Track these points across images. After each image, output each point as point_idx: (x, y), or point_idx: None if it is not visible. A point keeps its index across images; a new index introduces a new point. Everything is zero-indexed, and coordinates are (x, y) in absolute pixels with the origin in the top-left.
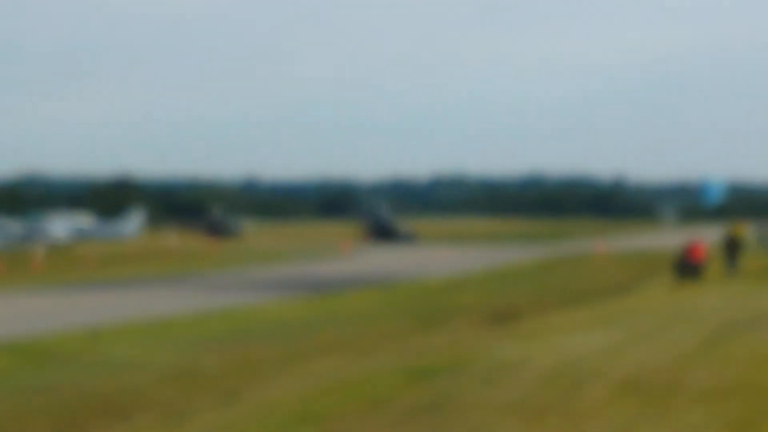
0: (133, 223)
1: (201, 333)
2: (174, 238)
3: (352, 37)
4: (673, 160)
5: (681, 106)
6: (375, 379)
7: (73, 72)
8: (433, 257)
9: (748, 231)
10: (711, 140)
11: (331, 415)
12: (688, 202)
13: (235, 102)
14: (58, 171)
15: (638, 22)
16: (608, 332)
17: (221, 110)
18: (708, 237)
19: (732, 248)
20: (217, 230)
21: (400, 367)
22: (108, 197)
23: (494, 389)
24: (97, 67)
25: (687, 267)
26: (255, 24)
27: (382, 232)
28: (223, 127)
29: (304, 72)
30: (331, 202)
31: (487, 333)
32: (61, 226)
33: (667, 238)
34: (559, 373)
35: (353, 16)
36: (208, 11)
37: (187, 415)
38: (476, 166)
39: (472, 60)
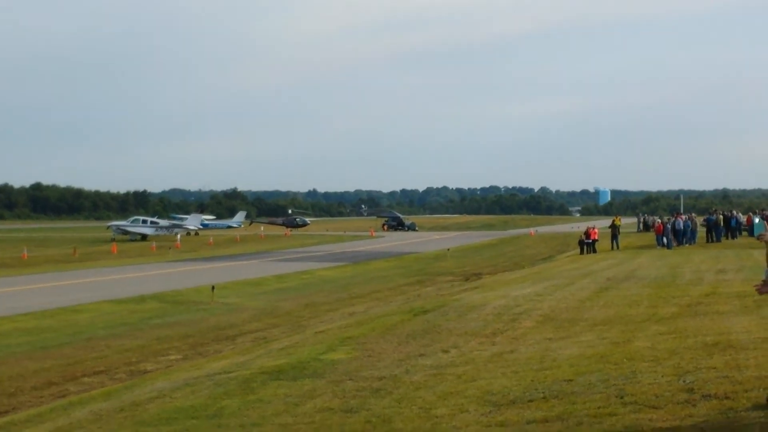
0: (238, 219)
1: (280, 287)
2: (263, 229)
3: (363, 103)
4: (578, 175)
5: (583, 142)
6: (388, 315)
7: (198, 128)
8: (427, 239)
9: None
10: (600, 161)
11: (360, 337)
12: (588, 203)
13: (295, 142)
14: (191, 186)
15: (549, 94)
16: (536, 285)
17: (292, 148)
18: (599, 225)
19: (614, 232)
20: (292, 223)
21: (404, 307)
22: (222, 203)
23: (464, 321)
24: (215, 125)
25: (586, 244)
26: (293, 96)
27: (395, 224)
28: (296, 158)
29: (346, 124)
30: (361, 204)
31: (460, 286)
32: (193, 221)
33: (574, 226)
34: (504, 311)
35: (367, 88)
36: (284, 85)
37: (269, 339)
38: (454, 180)
39: (454, 116)
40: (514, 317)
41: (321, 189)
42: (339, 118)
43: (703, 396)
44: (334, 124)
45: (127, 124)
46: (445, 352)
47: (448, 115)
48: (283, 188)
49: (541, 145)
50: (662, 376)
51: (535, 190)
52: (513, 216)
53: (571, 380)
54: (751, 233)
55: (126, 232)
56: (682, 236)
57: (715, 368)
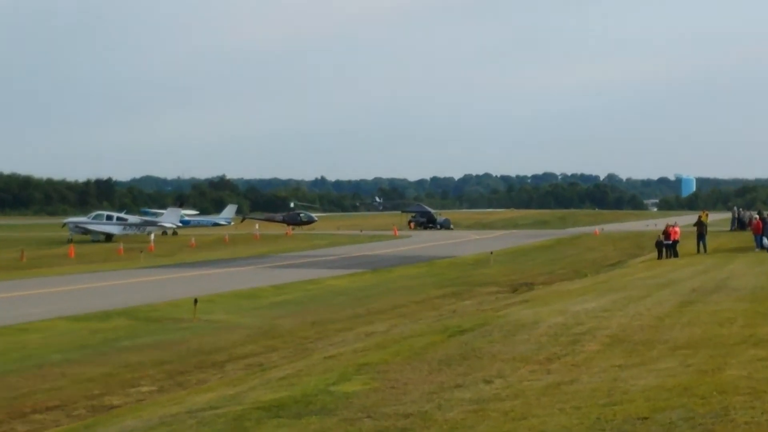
0: (227, 215)
1: (280, 300)
2: (258, 227)
3: (399, 69)
4: (654, 160)
5: (660, 117)
6: (416, 336)
7: (176, 100)
8: (464, 240)
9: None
10: (683, 143)
11: (381, 364)
12: (667, 194)
13: (308, 121)
14: (168, 173)
15: (626, 60)
16: (602, 298)
17: (296, 124)
18: (682, 222)
19: (700, 231)
20: (294, 220)
21: (436, 326)
22: (207, 194)
23: (512, 343)
24: (197, 96)
25: (665, 246)
26: (312, 60)
27: (424, 220)
28: (300, 138)
29: (363, 95)
30: (382, 196)
31: (506, 299)
32: (170, 217)
33: (650, 223)
34: (562, 330)
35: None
36: (286, 44)
37: (265, 366)
38: (498, 165)
39: (498, 85)
40: (575, 338)
41: (331, 177)
42: (354, 87)
43: None
44: (347, 94)
45: (87, 97)
46: (488, 382)
47: (491, 83)
48: (283, 176)
49: (608, 122)
50: (762, 414)
51: (601, 178)
52: (573, 210)
53: (646, 418)
54: None
55: (87, 231)
56: None
57: None
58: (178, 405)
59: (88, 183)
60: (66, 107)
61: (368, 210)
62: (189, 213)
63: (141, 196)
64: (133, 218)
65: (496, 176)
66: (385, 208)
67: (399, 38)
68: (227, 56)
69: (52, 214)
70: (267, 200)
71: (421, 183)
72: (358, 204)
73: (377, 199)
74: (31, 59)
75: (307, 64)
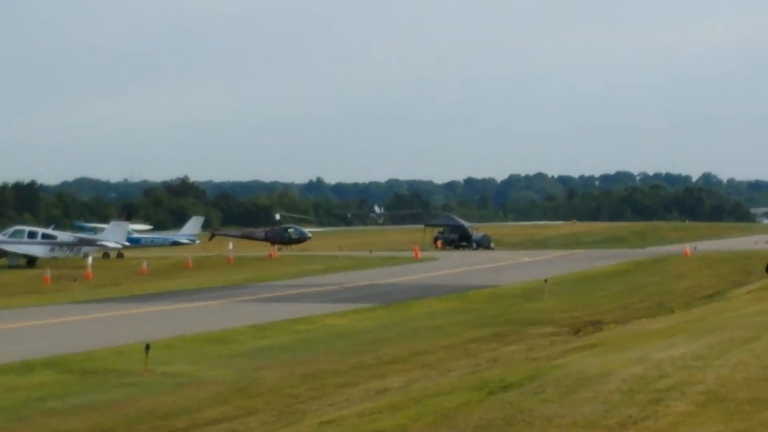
0: (190, 230)
1: (261, 346)
2: (231, 246)
3: (425, 36)
4: (766, 156)
5: None
6: (444, 394)
7: (121, 79)
8: (509, 263)
9: None
10: None
11: None
12: None
13: (298, 105)
14: (111, 174)
15: (730, 18)
16: (694, 341)
17: (284, 112)
18: None
19: None
20: (280, 237)
21: (471, 380)
22: (164, 202)
23: (573, 404)
24: (148, 73)
25: None
26: (317, 26)
27: (455, 237)
28: (287, 126)
29: (372, 71)
30: (398, 204)
31: (566, 343)
32: (114, 233)
33: (759, 239)
34: (641, 385)
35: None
36: (268, 17)
37: None
38: (554, 162)
39: (551, 57)
40: (658, 396)
41: (330, 179)
42: (362, 60)
43: None
44: (352, 70)
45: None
46: None
47: (542, 53)
48: (265, 177)
49: (703, 105)
50: None
51: (694, 179)
52: (656, 223)
53: None
54: None
55: (1, 253)
56: None
57: None
58: None
59: (3, 188)
60: None
61: (365, 223)
62: (139, 228)
63: (75, 205)
64: (64, 235)
65: (552, 177)
66: (386, 222)
67: None
68: (187, 19)
69: None
70: (244, 210)
71: (451, 186)
72: (349, 215)
73: (375, 209)
74: None
75: (296, 29)
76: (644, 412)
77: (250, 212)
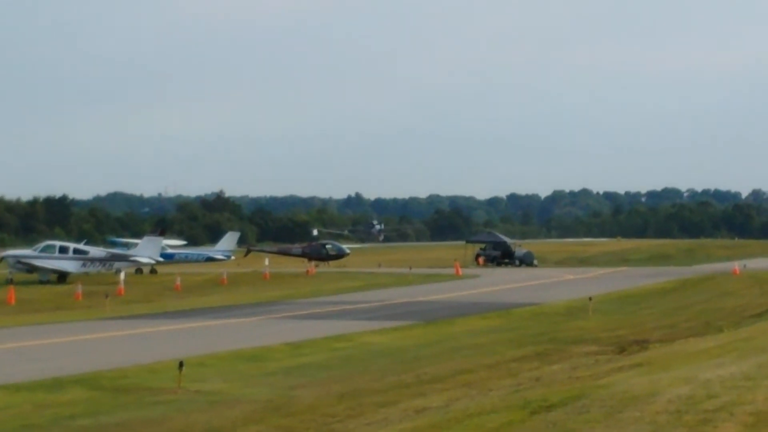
0: (225, 246)
1: (298, 364)
2: (268, 262)
3: (465, 51)
4: None
5: None
6: (486, 414)
7: (155, 92)
8: (553, 281)
9: None
10: None
11: None
12: None
13: (337, 119)
14: (144, 189)
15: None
16: (744, 360)
17: (323, 127)
18: None
19: None
20: (318, 253)
21: (514, 399)
22: (199, 218)
23: (619, 424)
24: (184, 87)
25: None
26: (358, 42)
27: (498, 254)
28: (323, 142)
29: (413, 86)
30: (439, 220)
31: (611, 362)
32: (147, 248)
33: None
34: (688, 406)
35: (460, 30)
36: (307, 33)
37: None
38: (600, 179)
39: (597, 72)
40: (706, 417)
41: (369, 194)
42: (399, 74)
43: None
44: (390, 84)
45: (31, 88)
46: None
47: (587, 67)
48: (302, 192)
49: (754, 119)
50: None
51: (744, 196)
52: (704, 240)
53: None
54: None
55: (33, 268)
56: None
57: None
58: None
59: (34, 202)
60: (1, 100)
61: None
62: (173, 244)
63: (107, 220)
64: (96, 251)
65: (598, 193)
66: (387, 238)
67: (461, 9)
68: (225, 34)
69: None
70: (280, 226)
71: (493, 202)
72: (346, 232)
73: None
74: None
75: (337, 44)
76: None
77: (286, 228)
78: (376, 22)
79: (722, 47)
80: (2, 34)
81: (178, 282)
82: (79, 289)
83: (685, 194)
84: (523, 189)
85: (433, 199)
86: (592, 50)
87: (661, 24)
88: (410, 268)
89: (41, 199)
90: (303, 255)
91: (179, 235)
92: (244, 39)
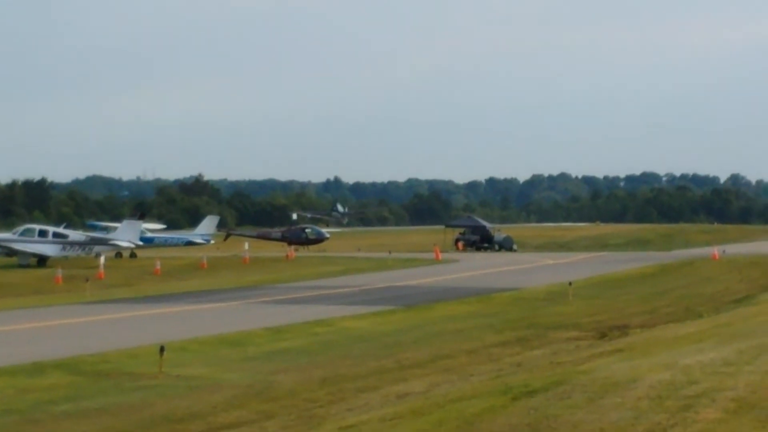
0: (205, 230)
1: (278, 348)
2: (247, 246)
3: (446, 35)
4: None
5: None
6: (466, 399)
7: (134, 74)
8: (532, 266)
9: None
10: None
11: None
12: None
13: (316, 103)
14: (123, 172)
15: (752, 17)
16: (724, 346)
17: (301, 111)
18: None
19: None
20: (297, 237)
21: (495, 385)
22: (178, 201)
23: (599, 410)
24: (162, 69)
25: None
26: (335, 25)
27: (477, 239)
28: (304, 123)
29: (392, 69)
30: (418, 204)
31: (591, 348)
32: (126, 232)
33: None
34: (669, 392)
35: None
36: (289, 12)
37: None
38: (578, 163)
39: (574, 57)
40: (687, 403)
41: (348, 178)
42: (378, 56)
43: None
44: (369, 66)
45: (10, 71)
46: None
47: (563, 48)
48: (281, 176)
49: (732, 103)
50: None
51: (722, 180)
52: (683, 225)
53: None
54: None
55: (12, 252)
56: None
57: None
58: None
59: (13, 185)
60: None
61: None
62: (153, 228)
63: (86, 203)
64: (75, 234)
65: (576, 178)
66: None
67: None
68: (203, 17)
69: None
70: (259, 210)
71: (472, 186)
72: (308, 216)
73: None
74: None
75: (314, 29)
76: (673, 419)
77: (265, 212)
78: (354, 5)
79: (701, 31)
80: None
81: (158, 266)
82: (60, 272)
83: (664, 179)
84: (501, 173)
85: (411, 183)
86: (570, 34)
87: (636, 7)
88: (390, 252)
89: (20, 182)
90: (283, 239)
91: (158, 218)
92: (222, 22)
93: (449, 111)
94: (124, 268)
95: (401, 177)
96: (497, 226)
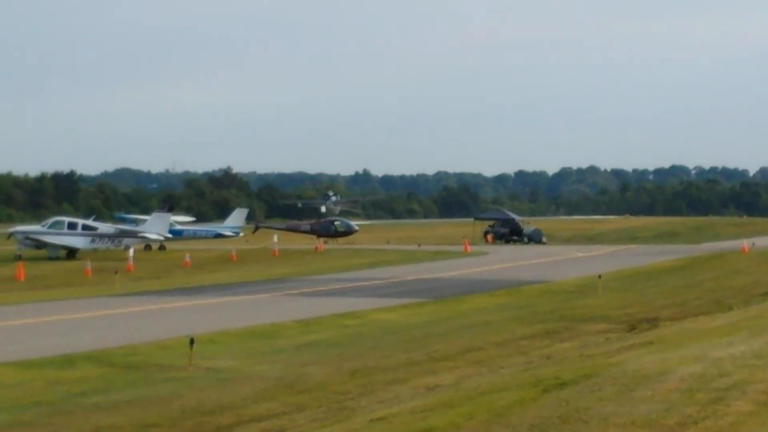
0: (234, 222)
1: (308, 341)
2: (276, 239)
3: (476, 27)
4: None
5: None
6: (497, 392)
7: (169, 61)
8: (562, 258)
9: None
10: None
11: (449, 430)
12: None
13: (345, 96)
14: (152, 165)
15: None
16: (753, 340)
17: (331, 103)
18: None
19: None
20: (326, 230)
21: (525, 377)
22: (207, 194)
23: (629, 402)
24: (191, 60)
25: None
26: (373, 15)
27: (506, 231)
28: (332, 115)
29: (421, 62)
30: (447, 197)
31: (621, 340)
32: (156, 225)
33: None
34: (700, 384)
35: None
36: (316, 8)
37: None
38: (607, 156)
39: (604, 49)
40: (718, 396)
41: (377, 171)
42: (408, 45)
43: None
44: (398, 58)
45: (40, 64)
46: None
47: (592, 38)
48: (311, 169)
49: (759, 97)
50: None
51: (751, 173)
52: (712, 218)
53: None
54: None
55: (41, 244)
56: None
57: None
58: None
59: (42, 178)
60: (9, 79)
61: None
62: (182, 220)
63: (115, 196)
64: (104, 227)
65: (605, 171)
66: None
67: None
68: (233, 8)
69: None
70: (289, 203)
71: (501, 179)
72: (299, 204)
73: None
74: None
75: (345, 19)
76: (704, 412)
77: (294, 204)
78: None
79: (732, 24)
80: (12, 10)
81: (188, 258)
82: (89, 265)
83: (693, 172)
84: (530, 166)
85: (440, 176)
86: (600, 28)
87: (668, 1)
88: (419, 245)
89: (49, 175)
90: (312, 232)
91: (187, 211)
92: (253, 13)
93: (478, 104)
94: (153, 260)
95: (430, 170)
96: (526, 218)
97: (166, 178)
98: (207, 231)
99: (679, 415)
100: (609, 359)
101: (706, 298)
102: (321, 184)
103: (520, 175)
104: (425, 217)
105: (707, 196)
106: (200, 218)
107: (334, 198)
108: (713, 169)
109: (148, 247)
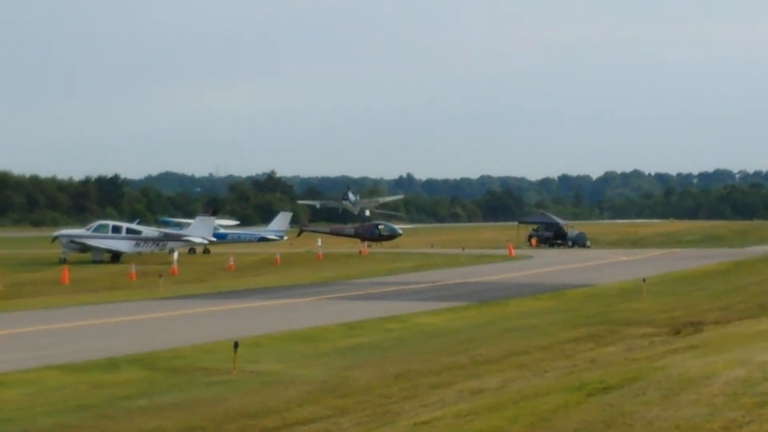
0: (278, 226)
1: (352, 344)
2: (320, 243)
3: (520, 31)
4: None
5: None
6: (541, 396)
7: (213, 65)
8: (605, 262)
9: None
10: None
11: None
12: None
13: (390, 100)
14: (195, 169)
15: None
16: None
17: (375, 107)
18: None
19: None
20: (370, 234)
21: (569, 381)
22: (251, 198)
23: (674, 407)
24: (236, 66)
25: None
26: (417, 18)
27: (550, 235)
28: (377, 120)
29: (465, 66)
30: (491, 201)
31: (666, 344)
32: (200, 228)
33: None
34: (745, 388)
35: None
36: (363, 6)
37: None
38: (651, 160)
39: (648, 53)
40: (763, 400)
41: (421, 175)
42: (452, 51)
43: None
44: (440, 62)
45: (82, 69)
46: None
47: (634, 43)
48: (354, 173)
49: None
50: None
51: None
52: (757, 222)
53: None
54: None
55: (86, 248)
56: None
57: None
58: None
59: (87, 182)
60: (54, 82)
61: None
62: (226, 224)
63: (159, 200)
64: (149, 231)
65: (649, 175)
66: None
67: None
68: (277, 13)
69: (37, 224)
70: (333, 207)
71: (545, 183)
72: (318, 206)
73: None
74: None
75: (390, 24)
76: (749, 416)
77: (338, 208)
78: (428, 2)
79: None
80: (61, 12)
81: (231, 262)
82: (133, 268)
83: (737, 176)
84: (574, 170)
85: (484, 180)
86: (644, 31)
87: (715, 4)
88: (463, 248)
89: (93, 179)
90: (356, 235)
91: (231, 215)
92: (297, 18)
93: (522, 108)
94: (197, 264)
95: (474, 174)
96: (570, 222)
97: (209, 182)
98: (251, 234)
99: (724, 419)
100: (653, 363)
101: (750, 302)
102: (365, 188)
103: (564, 179)
104: (469, 220)
105: (751, 200)
106: (244, 222)
107: (353, 198)
108: (757, 173)
109: (192, 251)
